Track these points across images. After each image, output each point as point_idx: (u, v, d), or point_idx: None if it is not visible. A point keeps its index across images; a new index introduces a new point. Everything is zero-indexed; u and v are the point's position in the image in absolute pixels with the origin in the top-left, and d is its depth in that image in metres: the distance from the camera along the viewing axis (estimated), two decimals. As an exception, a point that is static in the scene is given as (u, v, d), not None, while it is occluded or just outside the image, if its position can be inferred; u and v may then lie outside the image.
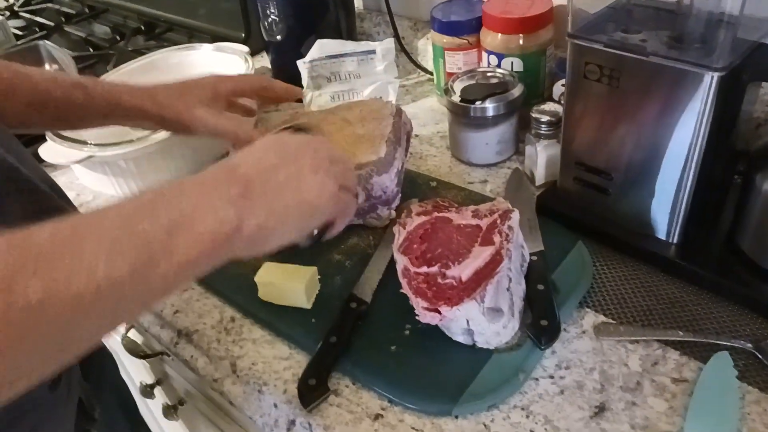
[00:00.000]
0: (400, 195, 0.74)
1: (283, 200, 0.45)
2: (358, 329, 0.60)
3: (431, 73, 1.02)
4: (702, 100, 0.54)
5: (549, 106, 0.74)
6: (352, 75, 0.95)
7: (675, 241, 0.64)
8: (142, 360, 0.84)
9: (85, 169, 0.84)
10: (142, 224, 0.36)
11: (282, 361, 0.60)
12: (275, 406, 0.57)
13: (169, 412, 0.91)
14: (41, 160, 0.82)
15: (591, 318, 0.60)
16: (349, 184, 0.53)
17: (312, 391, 0.55)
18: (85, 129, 0.74)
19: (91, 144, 0.79)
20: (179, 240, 0.37)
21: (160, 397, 0.93)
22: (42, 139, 0.83)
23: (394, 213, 0.73)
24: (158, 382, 0.91)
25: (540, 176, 0.76)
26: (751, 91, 0.61)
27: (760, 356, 0.53)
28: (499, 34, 0.82)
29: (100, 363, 0.72)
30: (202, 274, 0.40)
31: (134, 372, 1.01)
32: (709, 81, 0.53)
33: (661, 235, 0.64)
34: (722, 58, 0.53)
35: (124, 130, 0.84)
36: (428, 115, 0.97)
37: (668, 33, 0.58)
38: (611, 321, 0.59)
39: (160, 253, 0.36)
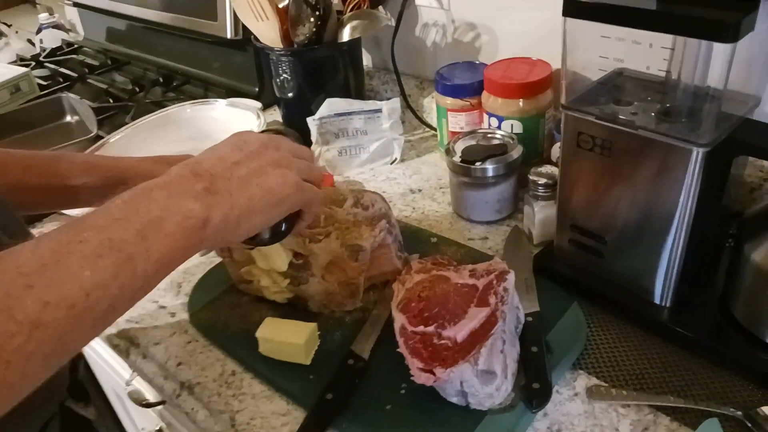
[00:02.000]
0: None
1: (247, 192, 0.48)
2: (355, 386, 0.61)
3: (435, 129, 1.05)
4: (689, 171, 0.57)
5: (546, 168, 0.77)
6: (359, 131, 0.99)
7: (668, 304, 0.65)
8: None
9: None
10: (117, 233, 0.40)
11: (280, 417, 0.61)
12: (272, 462, 0.58)
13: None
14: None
15: (584, 380, 0.61)
16: (313, 176, 0.56)
17: (307, 448, 0.56)
18: None
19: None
20: (153, 241, 0.42)
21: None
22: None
23: None
24: (160, 431, 0.92)
25: (537, 235, 0.78)
26: (740, 158, 0.63)
27: (749, 424, 0.54)
28: (500, 98, 0.85)
29: None
30: (180, 264, 0.45)
31: (138, 418, 1.03)
32: (696, 155, 0.55)
33: (655, 298, 0.65)
34: (708, 134, 0.55)
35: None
36: (431, 170, 1.00)
37: (658, 106, 0.60)
38: (604, 384, 0.60)
39: (138, 255, 0.41)
